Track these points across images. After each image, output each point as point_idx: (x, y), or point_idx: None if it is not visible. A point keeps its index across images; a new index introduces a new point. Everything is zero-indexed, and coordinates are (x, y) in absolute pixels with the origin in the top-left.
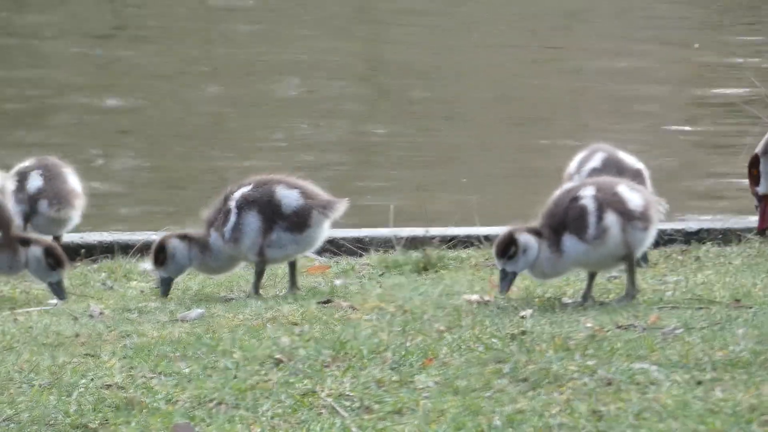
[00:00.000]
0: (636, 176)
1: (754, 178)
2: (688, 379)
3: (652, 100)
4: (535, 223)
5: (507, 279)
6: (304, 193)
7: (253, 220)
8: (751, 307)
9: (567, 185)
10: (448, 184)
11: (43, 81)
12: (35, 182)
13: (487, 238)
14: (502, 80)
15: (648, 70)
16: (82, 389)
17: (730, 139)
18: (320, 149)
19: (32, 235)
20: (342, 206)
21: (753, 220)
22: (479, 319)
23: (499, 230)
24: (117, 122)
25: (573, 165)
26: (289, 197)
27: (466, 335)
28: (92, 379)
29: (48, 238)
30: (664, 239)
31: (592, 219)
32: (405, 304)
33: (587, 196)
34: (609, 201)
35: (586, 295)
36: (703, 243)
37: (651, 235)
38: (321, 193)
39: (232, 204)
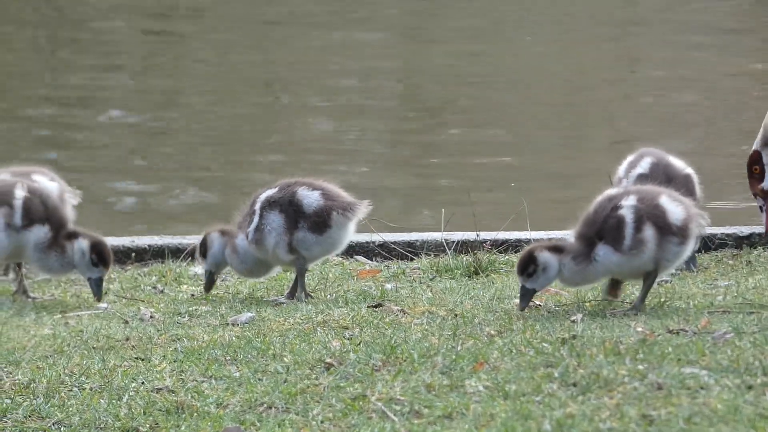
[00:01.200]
0: (685, 181)
1: (756, 176)
2: (738, 383)
3: (712, 102)
4: (574, 228)
5: (526, 296)
6: (326, 195)
7: (274, 219)
8: None
9: (609, 191)
10: (498, 189)
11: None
12: None
13: None
14: (554, 84)
15: (712, 70)
16: (132, 393)
17: None
18: (369, 154)
19: (82, 229)
20: (363, 208)
21: None
22: (530, 323)
23: (551, 234)
24: (170, 123)
25: (621, 169)
26: (309, 197)
27: (516, 339)
28: (143, 383)
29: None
30: (715, 243)
31: (629, 230)
32: (456, 308)
33: (627, 205)
34: (649, 213)
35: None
36: (755, 247)
37: (687, 250)
38: (343, 195)
39: (257, 206)
